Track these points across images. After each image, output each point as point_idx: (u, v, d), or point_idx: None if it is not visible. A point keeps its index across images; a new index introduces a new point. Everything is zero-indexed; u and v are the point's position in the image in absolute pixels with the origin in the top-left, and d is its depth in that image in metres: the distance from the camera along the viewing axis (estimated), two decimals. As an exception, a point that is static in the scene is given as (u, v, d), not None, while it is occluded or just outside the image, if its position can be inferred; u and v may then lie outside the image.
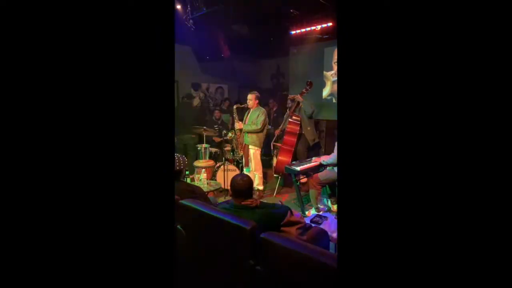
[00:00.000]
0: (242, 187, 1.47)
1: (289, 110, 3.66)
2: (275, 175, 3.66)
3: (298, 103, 3.56)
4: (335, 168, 2.78)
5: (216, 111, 4.86)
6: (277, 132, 3.78)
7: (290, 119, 3.53)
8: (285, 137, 3.50)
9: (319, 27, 4.09)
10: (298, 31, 4.30)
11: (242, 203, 1.47)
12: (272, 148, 3.82)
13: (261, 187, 3.52)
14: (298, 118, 3.52)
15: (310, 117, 3.59)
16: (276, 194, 3.52)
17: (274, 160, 3.70)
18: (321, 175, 2.82)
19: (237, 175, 1.53)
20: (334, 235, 1.67)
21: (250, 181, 1.50)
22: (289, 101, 3.84)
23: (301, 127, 3.52)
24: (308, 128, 3.57)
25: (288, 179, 3.45)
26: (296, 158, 3.48)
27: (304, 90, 3.56)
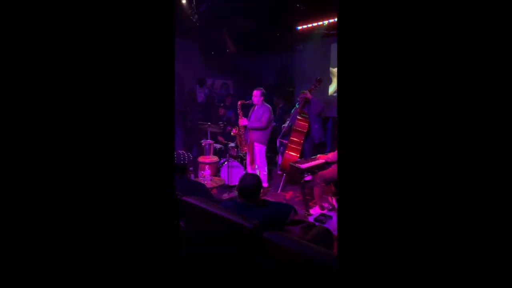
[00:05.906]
0: (251, 188, 1.41)
1: (297, 107, 3.62)
2: (279, 172, 3.63)
3: (307, 100, 3.51)
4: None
5: (220, 108, 4.83)
6: (283, 128, 3.74)
7: (298, 117, 3.48)
8: (293, 135, 3.46)
9: (325, 22, 4.03)
10: (304, 26, 4.24)
11: (247, 202, 1.44)
12: (278, 145, 3.78)
13: (265, 184, 3.50)
14: (307, 116, 3.48)
15: (318, 115, 3.53)
16: (280, 191, 3.50)
17: (280, 157, 3.67)
18: (326, 173, 2.79)
19: (246, 175, 1.49)
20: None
21: (259, 182, 1.44)
22: (298, 98, 3.78)
23: (309, 125, 3.47)
24: (316, 126, 3.52)
25: (293, 176, 3.42)
26: (302, 155, 3.44)
27: (313, 87, 3.50)
